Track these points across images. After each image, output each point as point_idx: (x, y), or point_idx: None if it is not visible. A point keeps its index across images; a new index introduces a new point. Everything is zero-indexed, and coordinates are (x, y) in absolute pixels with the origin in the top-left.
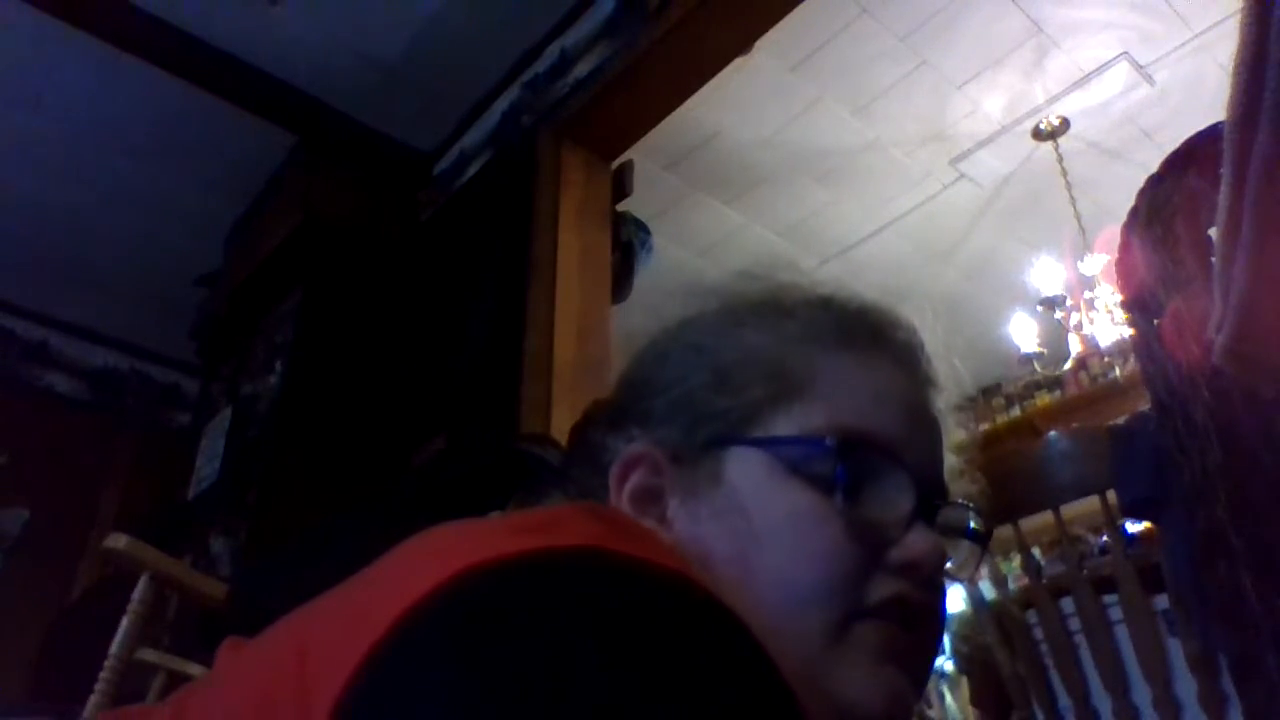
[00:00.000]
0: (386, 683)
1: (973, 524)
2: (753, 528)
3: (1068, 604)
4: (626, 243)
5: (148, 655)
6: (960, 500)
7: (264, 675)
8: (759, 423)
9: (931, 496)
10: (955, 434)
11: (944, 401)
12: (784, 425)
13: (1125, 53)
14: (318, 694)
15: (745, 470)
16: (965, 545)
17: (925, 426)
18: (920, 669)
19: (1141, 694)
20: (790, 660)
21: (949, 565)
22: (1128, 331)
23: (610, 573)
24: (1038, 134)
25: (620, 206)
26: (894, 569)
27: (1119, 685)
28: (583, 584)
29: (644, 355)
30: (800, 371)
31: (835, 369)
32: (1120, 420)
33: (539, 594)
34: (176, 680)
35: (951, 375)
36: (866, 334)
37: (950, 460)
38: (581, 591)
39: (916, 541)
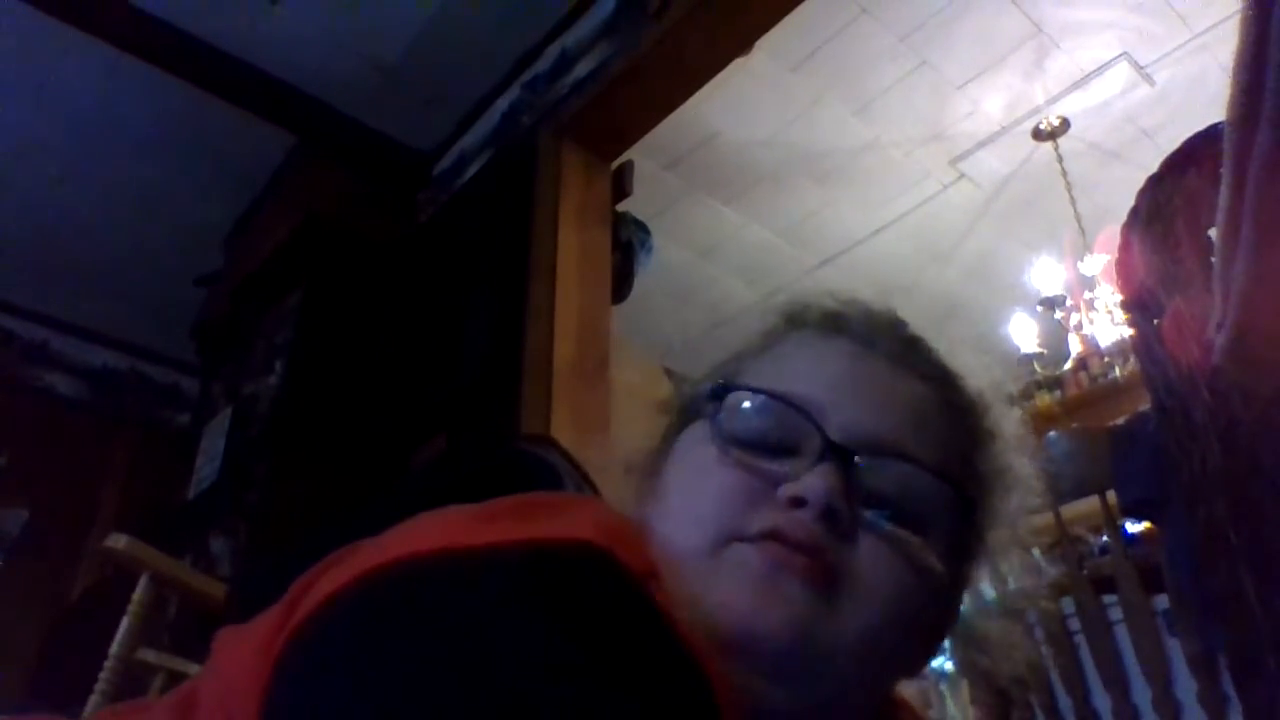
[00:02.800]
0: (295, 664)
1: (893, 482)
2: (666, 484)
3: (1068, 604)
4: (626, 243)
5: (148, 655)
6: (917, 460)
7: (250, 647)
8: (697, 405)
9: (873, 455)
10: (1013, 429)
11: (939, 395)
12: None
13: (1125, 53)
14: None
15: (678, 446)
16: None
17: (873, 391)
18: (844, 597)
19: (1141, 694)
20: (686, 590)
21: (894, 532)
22: (1128, 332)
23: (502, 581)
24: (1038, 134)
25: (620, 207)
26: (781, 504)
27: (1119, 685)
28: (470, 590)
29: None
30: (746, 357)
31: (776, 349)
32: (1120, 420)
33: (423, 598)
34: (176, 680)
35: (976, 363)
36: (821, 318)
37: (945, 447)
38: (461, 597)
39: (807, 478)
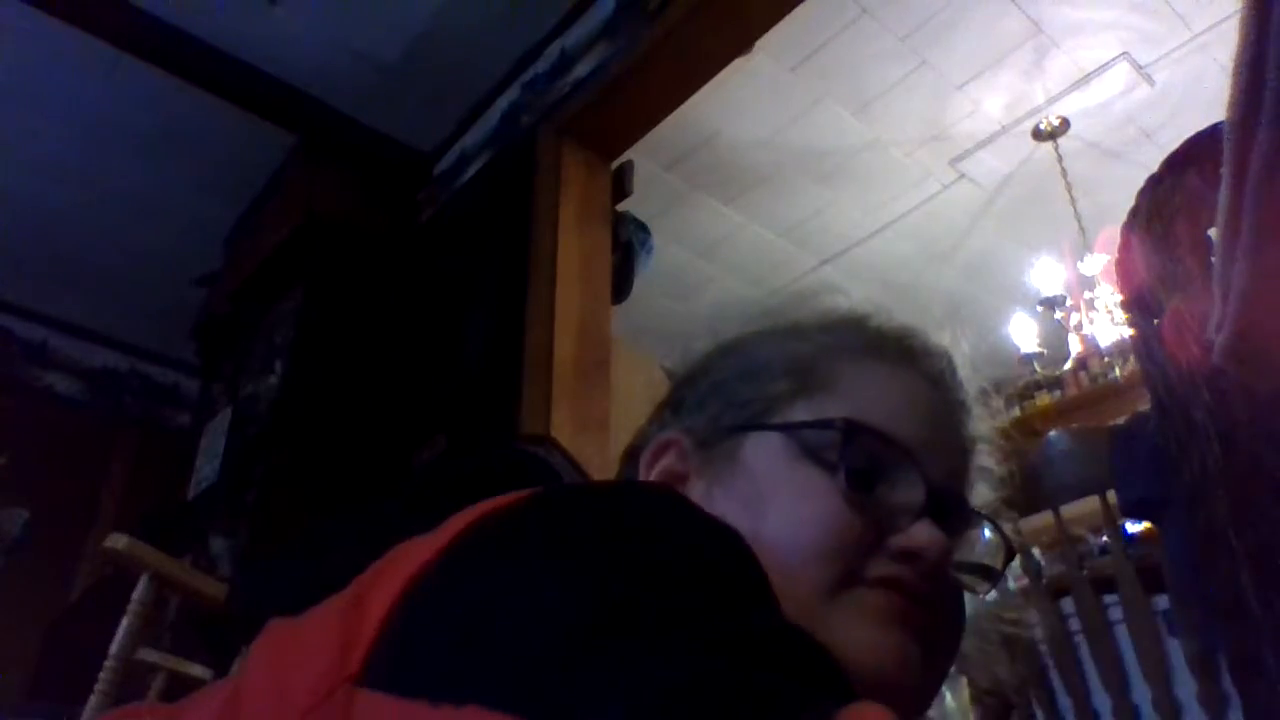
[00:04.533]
0: (461, 564)
1: (988, 532)
2: (762, 499)
3: (1068, 604)
4: (626, 243)
5: (148, 655)
6: (985, 515)
7: (312, 626)
8: (779, 413)
9: (947, 504)
10: (996, 469)
11: (977, 431)
12: (801, 414)
13: (1125, 53)
14: (363, 623)
15: (761, 452)
16: (982, 559)
17: (948, 440)
18: (932, 648)
19: (1141, 694)
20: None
21: (969, 583)
22: (1128, 332)
23: (660, 496)
24: (1038, 134)
25: (620, 207)
26: (894, 554)
27: (1119, 685)
28: (631, 497)
29: (688, 358)
30: (824, 372)
31: (860, 374)
32: (1120, 421)
33: (597, 499)
34: (177, 680)
35: (987, 409)
36: (897, 349)
37: (986, 494)
38: (629, 500)
39: (919, 531)
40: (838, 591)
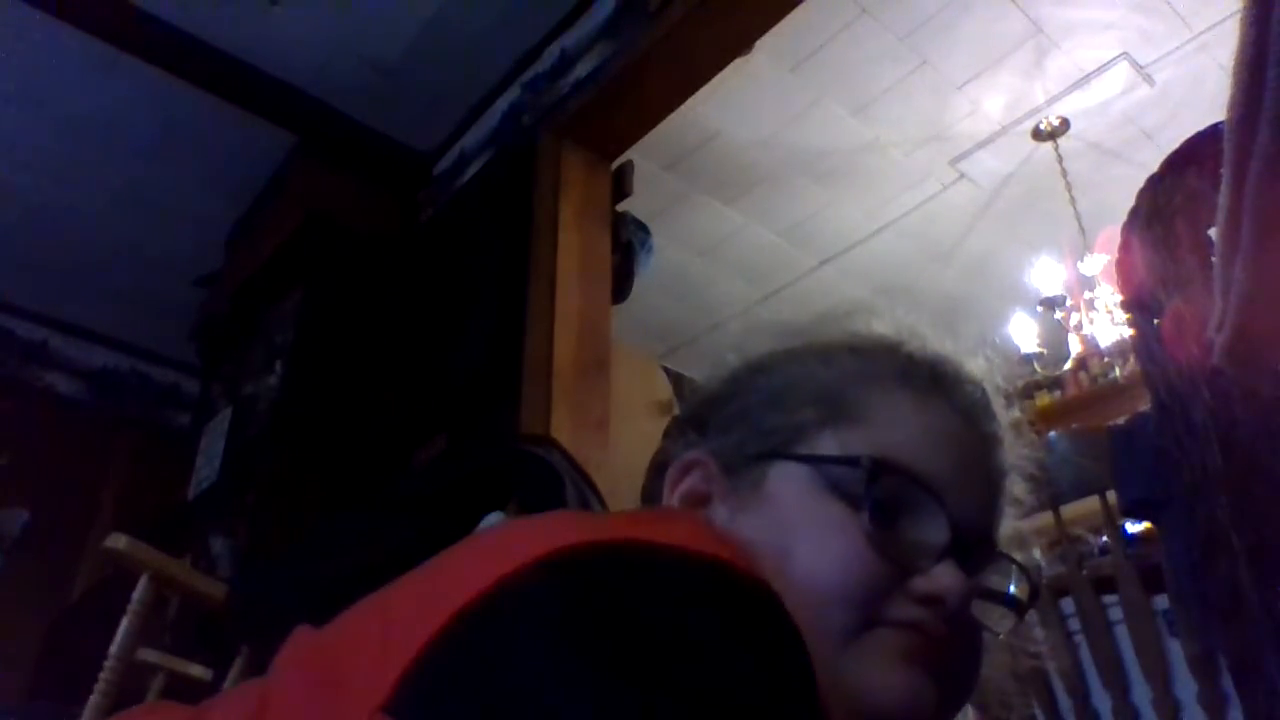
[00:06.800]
0: (476, 636)
1: (1014, 587)
2: (785, 531)
3: (1068, 604)
4: (626, 243)
5: (148, 655)
6: (1009, 556)
7: (345, 647)
8: (805, 442)
9: (972, 542)
10: (1026, 499)
11: (1008, 462)
12: (828, 446)
13: (1125, 53)
14: (396, 655)
15: (786, 483)
16: (1004, 603)
17: (977, 476)
18: (947, 686)
19: (1141, 694)
20: (814, 655)
21: (989, 620)
22: (1128, 332)
23: (699, 571)
24: (1037, 134)
25: (620, 207)
26: (916, 597)
27: (1119, 685)
28: (675, 575)
29: (717, 375)
30: (853, 401)
31: (889, 405)
32: (1120, 421)
33: (639, 578)
34: (177, 680)
35: (1022, 442)
36: (929, 379)
37: (1013, 525)
38: (671, 581)
39: (942, 575)
40: (858, 633)
